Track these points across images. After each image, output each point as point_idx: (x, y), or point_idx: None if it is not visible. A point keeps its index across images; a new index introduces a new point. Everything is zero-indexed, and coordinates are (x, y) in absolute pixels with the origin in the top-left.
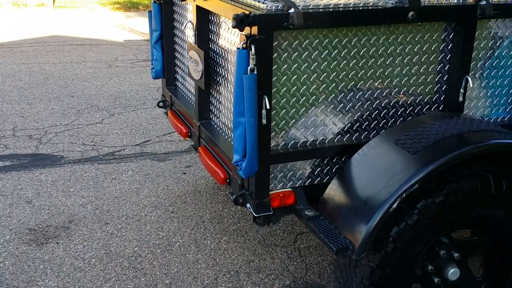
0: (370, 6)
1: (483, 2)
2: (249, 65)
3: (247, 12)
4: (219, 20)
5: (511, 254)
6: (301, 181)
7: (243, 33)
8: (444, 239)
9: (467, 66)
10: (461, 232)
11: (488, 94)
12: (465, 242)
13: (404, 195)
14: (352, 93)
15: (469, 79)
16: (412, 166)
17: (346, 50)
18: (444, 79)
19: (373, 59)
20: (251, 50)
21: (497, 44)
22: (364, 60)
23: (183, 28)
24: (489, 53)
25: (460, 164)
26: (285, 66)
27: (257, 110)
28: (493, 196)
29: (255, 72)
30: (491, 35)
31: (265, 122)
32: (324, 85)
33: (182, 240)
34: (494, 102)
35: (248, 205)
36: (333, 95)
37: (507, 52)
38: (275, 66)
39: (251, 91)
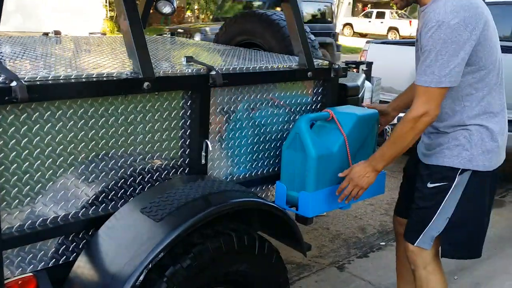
0: (105, 77)
1: (213, 72)
2: None
3: None
4: None
5: None
6: (43, 263)
7: None
8: None
9: (206, 131)
10: None
11: (229, 154)
12: None
13: (150, 265)
14: (94, 164)
15: (209, 143)
16: (157, 235)
17: (83, 121)
18: (187, 143)
19: (113, 128)
20: None
21: (232, 109)
22: (104, 130)
23: None
24: (225, 117)
25: (205, 225)
26: (13, 141)
27: None
28: (237, 252)
29: None
30: (225, 100)
31: None
32: (62, 158)
33: None
34: (235, 161)
35: None
36: (73, 167)
37: (242, 115)
38: (1, 142)
39: None
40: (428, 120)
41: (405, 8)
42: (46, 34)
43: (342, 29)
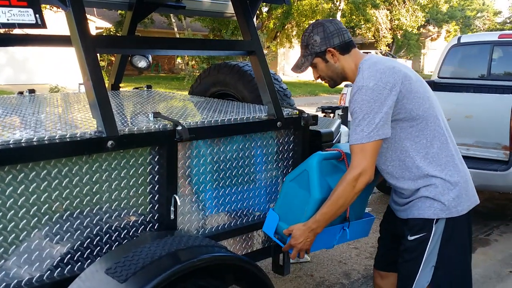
0: (68, 138)
1: (179, 128)
2: None
3: None
4: None
5: None
6: None
7: None
8: None
9: (174, 185)
10: None
11: (199, 208)
12: None
13: None
14: (58, 226)
15: (177, 197)
16: None
17: (46, 182)
18: (155, 199)
19: (78, 188)
20: None
21: (202, 161)
22: (68, 190)
23: None
24: (195, 170)
25: (173, 283)
26: None
27: None
28: None
29: None
30: (194, 154)
31: None
32: (24, 221)
33: None
34: (205, 215)
35: None
36: (36, 230)
37: (212, 167)
38: None
39: None
40: (366, 179)
41: (391, 48)
42: (21, 93)
43: None
